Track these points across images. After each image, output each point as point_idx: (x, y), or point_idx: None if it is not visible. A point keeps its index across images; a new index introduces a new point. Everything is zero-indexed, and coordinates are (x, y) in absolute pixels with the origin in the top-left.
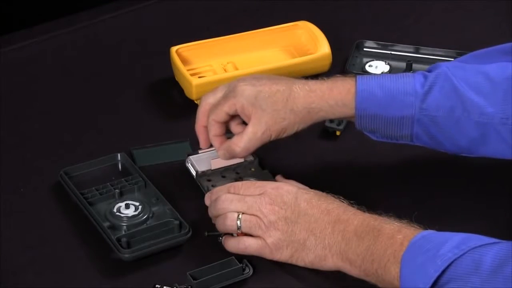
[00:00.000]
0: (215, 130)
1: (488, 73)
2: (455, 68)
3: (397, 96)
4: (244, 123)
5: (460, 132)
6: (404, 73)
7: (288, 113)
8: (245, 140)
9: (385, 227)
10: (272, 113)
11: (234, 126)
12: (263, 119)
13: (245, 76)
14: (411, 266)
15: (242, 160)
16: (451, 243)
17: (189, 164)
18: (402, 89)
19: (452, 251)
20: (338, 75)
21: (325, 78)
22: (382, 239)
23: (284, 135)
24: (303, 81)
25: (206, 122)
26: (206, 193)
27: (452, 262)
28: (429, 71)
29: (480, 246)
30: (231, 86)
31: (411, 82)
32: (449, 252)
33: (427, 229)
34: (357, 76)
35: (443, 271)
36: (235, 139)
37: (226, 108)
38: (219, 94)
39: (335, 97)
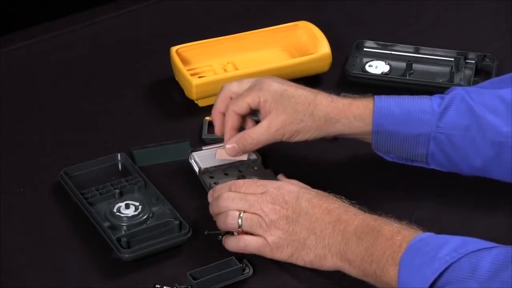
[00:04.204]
0: (232, 121)
1: (503, 96)
2: (471, 92)
3: (414, 113)
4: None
5: (475, 152)
6: (422, 95)
7: (307, 116)
8: (258, 132)
9: (384, 228)
10: (291, 113)
11: (250, 123)
12: (281, 117)
13: (273, 76)
14: (409, 269)
15: (245, 158)
16: (449, 246)
17: (192, 160)
18: (419, 107)
19: (450, 255)
20: (356, 95)
21: (346, 94)
22: (381, 240)
23: (296, 138)
24: (327, 93)
25: (224, 108)
26: (208, 190)
27: (450, 265)
28: (446, 93)
29: (478, 250)
30: (258, 80)
31: (428, 102)
32: (446, 256)
33: (426, 231)
34: (375, 96)
35: (441, 274)
36: (247, 131)
37: (249, 100)
38: (244, 85)
39: (353, 111)
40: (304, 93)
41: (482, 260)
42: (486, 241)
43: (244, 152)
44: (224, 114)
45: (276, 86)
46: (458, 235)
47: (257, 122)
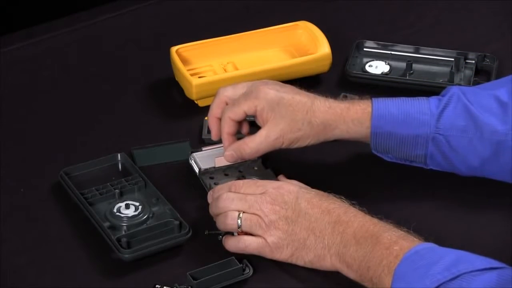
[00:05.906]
0: (229, 127)
1: (498, 96)
2: (467, 92)
3: (413, 114)
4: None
5: (473, 152)
6: (419, 97)
7: (305, 124)
8: (257, 141)
9: (383, 235)
10: (289, 122)
11: (245, 128)
12: (279, 125)
13: (268, 80)
14: (402, 282)
15: None
16: (443, 263)
17: (192, 161)
18: (417, 108)
19: (442, 273)
20: (356, 97)
21: (346, 94)
22: (379, 248)
23: (296, 145)
24: (324, 98)
25: (219, 114)
26: (208, 190)
27: (441, 284)
28: (443, 95)
29: (470, 272)
30: (253, 86)
31: (426, 103)
32: (438, 274)
33: (424, 241)
34: (373, 98)
35: None
36: (246, 139)
37: (245, 107)
38: (239, 90)
39: (352, 115)
40: (301, 100)
41: (473, 284)
42: (483, 258)
43: (243, 160)
44: (219, 119)
45: (273, 94)
46: (454, 249)
47: (251, 122)
